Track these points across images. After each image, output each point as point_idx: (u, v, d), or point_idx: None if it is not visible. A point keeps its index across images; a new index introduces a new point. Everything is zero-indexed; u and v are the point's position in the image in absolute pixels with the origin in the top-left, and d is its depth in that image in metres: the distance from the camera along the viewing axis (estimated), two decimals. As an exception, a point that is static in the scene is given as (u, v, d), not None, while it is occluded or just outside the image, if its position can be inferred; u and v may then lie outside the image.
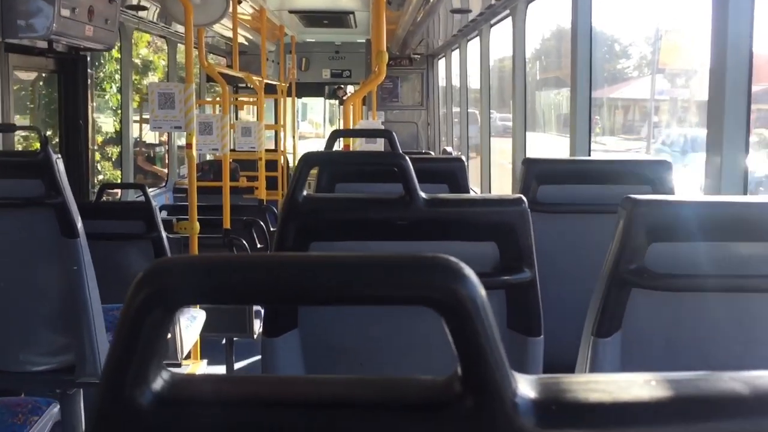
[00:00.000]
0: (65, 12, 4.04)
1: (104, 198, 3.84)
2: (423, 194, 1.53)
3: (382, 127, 5.24)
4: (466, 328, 0.51)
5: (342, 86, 9.98)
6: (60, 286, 2.56)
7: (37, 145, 4.19)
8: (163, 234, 3.41)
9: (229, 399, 0.52)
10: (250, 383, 0.53)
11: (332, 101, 11.26)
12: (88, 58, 4.97)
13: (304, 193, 1.55)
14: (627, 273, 1.51)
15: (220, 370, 4.81)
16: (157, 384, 0.52)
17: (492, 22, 5.65)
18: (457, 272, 0.51)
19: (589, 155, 3.47)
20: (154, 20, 6.06)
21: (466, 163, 2.48)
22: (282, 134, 7.85)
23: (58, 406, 2.23)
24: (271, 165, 6.99)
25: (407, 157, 1.55)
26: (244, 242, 4.90)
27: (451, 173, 2.42)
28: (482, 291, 0.52)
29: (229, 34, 6.58)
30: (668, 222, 1.51)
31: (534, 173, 2.38)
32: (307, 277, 0.50)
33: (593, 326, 1.56)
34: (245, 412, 0.51)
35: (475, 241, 1.55)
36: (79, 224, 2.51)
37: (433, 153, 7.83)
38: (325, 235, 1.54)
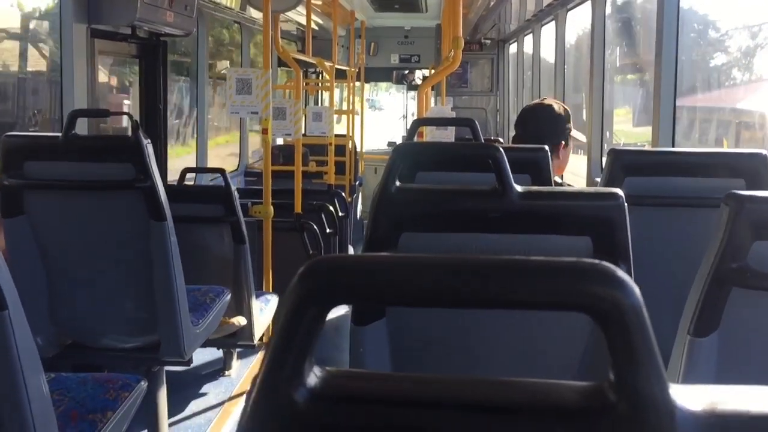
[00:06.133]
0: (148, -2, 4.14)
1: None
2: (517, 186, 1.51)
3: (453, 114, 5.20)
4: (626, 337, 0.50)
5: (411, 71, 9.95)
6: (147, 267, 2.65)
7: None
8: (242, 218, 3.48)
9: (384, 397, 0.52)
10: (403, 381, 0.53)
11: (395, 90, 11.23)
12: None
13: (397, 183, 1.55)
14: (729, 271, 1.46)
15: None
16: (311, 380, 0.53)
17: (569, 6, 5.53)
18: (617, 279, 0.50)
19: (673, 146, 3.37)
20: (230, 6, 6.15)
21: (549, 154, 2.43)
22: (350, 119, 7.90)
23: (146, 383, 2.31)
24: (339, 150, 7.04)
25: (501, 148, 1.54)
26: (315, 227, 4.95)
27: (535, 163, 2.38)
28: (641, 299, 0.51)
29: (300, 19, 6.64)
30: (775, 219, 1.45)
31: (620, 164, 2.32)
32: (466, 280, 0.50)
33: (690, 325, 1.52)
34: (400, 411, 0.51)
35: (569, 235, 1.53)
36: (167, 207, 2.58)
37: (502, 140, 7.74)
38: (416, 226, 1.54)
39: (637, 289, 0.51)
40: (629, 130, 6.02)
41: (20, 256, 2.60)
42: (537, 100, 3.27)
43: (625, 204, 1.51)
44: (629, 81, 6.09)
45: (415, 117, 6.03)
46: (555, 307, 0.51)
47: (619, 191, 1.52)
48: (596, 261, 0.51)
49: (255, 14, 6.44)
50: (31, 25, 5.22)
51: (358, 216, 8.21)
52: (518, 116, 3.17)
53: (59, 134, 2.51)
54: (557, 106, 3.06)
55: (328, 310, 0.53)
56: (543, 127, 2.96)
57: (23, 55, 5.07)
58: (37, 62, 5.19)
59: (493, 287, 0.49)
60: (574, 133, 3.16)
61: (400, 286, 0.50)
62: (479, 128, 2.55)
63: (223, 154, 7.31)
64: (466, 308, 0.45)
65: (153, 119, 4.94)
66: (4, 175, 2.52)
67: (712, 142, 4.67)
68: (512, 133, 3.22)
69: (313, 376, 0.53)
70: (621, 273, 0.51)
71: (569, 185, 3.07)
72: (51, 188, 2.55)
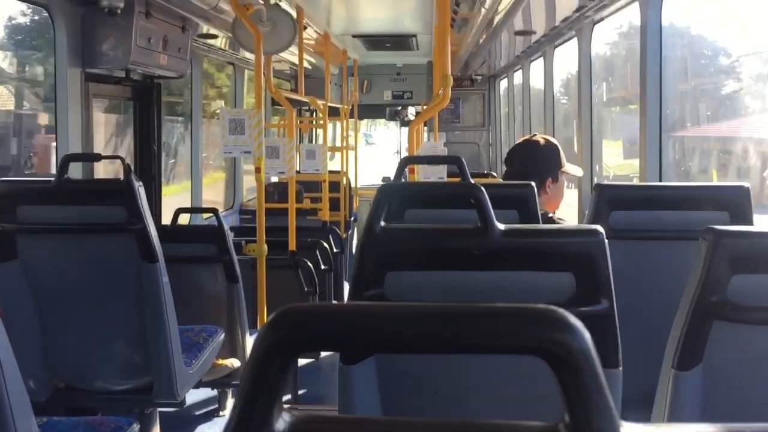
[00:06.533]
0: (142, 42, 4.22)
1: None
2: (499, 225, 1.54)
3: (445, 149, 5.25)
4: (576, 379, 0.53)
5: (403, 107, 10.05)
6: (139, 308, 2.66)
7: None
8: (235, 257, 3.50)
9: (348, 442, 0.54)
10: (368, 424, 0.56)
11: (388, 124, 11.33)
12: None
13: (382, 223, 1.58)
14: (709, 305, 1.49)
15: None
16: (281, 426, 0.55)
17: (556, 43, 5.63)
18: (568, 324, 0.53)
19: (660, 180, 3.41)
20: (223, 47, 6.25)
21: (536, 190, 2.47)
22: (344, 156, 7.96)
23: (138, 426, 2.31)
24: (334, 186, 7.09)
25: (483, 188, 1.57)
26: (310, 264, 4.96)
27: (522, 200, 2.42)
28: (591, 343, 0.54)
29: (293, 59, 6.73)
30: (752, 253, 1.48)
31: (606, 199, 2.36)
32: (423, 327, 0.52)
33: (673, 359, 1.54)
34: (364, 456, 0.53)
35: (552, 272, 1.55)
36: (159, 249, 2.60)
37: (495, 174, 7.80)
38: (401, 265, 1.57)
39: (587, 334, 0.53)
40: (623, 163, 6.08)
41: (13, 299, 2.61)
42: (525, 137, 3.31)
43: (606, 240, 1.54)
44: (630, 111, 6.12)
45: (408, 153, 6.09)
46: (508, 351, 0.53)
47: (600, 228, 1.55)
48: (548, 306, 0.54)
49: (248, 54, 6.54)
50: (27, 69, 5.30)
51: (353, 252, 8.22)
52: (507, 154, 3.22)
53: (52, 178, 2.54)
54: (543, 142, 3.10)
55: (295, 358, 0.55)
56: (529, 163, 3.01)
57: (19, 98, 5.13)
58: (33, 105, 5.26)
59: (448, 334, 0.52)
60: (571, 167, 3.19)
61: (361, 334, 0.53)
62: (470, 164, 2.59)
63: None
64: (426, 354, 0.48)
65: (147, 160, 4.99)
66: (-2, 220, 2.54)
67: (734, 177, 4.54)
68: (505, 167, 3.26)
69: (282, 422, 0.56)
70: (571, 318, 0.53)
71: (561, 220, 3.09)
72: (44, 232, 2.58)
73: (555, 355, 0.52)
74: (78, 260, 2.66)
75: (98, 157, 2.82)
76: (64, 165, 2.53)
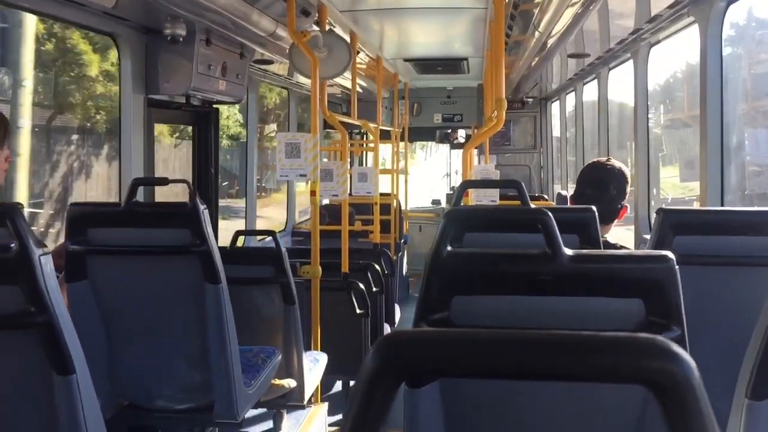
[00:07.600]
0: (202, 68, 4.34)
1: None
2: (567, 250, 1.54)
3: (497, 172, 5.24)
4: (683, 409, 0.53)
5: (453, 130, 10.07)
6: (201, 328, 2.72)
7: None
8: (292, 279, 3.54)
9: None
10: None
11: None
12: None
13: (448, 248, 1.59)
14: (784, 333, 1.45)
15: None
16: (385, 448, 0.57)
17: (611, 65, 5.59)
18: (673, 354, 0.53)
19: (722, 205, 3.35)
20: (278, 73, 6.38)
21: (596, 214, 2.45)
22: (395, 178, 8.01)
23: (200, 445, 2.35)
24: (384, 209, 7.12)
25: (549, 213, 1.57)
26: (362, 286, 4.99)
27: (582, 224, 2.40)
28: (697, 372, 0.54)
29: (346, 83, 6.84)
30: (829, 281, 1.45)
31: (669, 223, 2.33)
32: (529, 354, 0.54)
33: (747, 388, 1.51)
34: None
35: (620, 298, 1.54)
36: (221, 270, 2.66)
37: (546, 197, 7.74)
38: (468, 289, 1.57)
39: (693, 363, 0.54)
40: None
41: (82, 319, 2.69)
42: (603, 160, 3.21)
43: (676, 266, 1.52)
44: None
45: (459, 174, 6.10)
46: (614, 381, 0.54)
47: (670, 254, 1.53)
48: (652, 336, 0.54)
49: (302, 79, 6.66)
50: (95, 98, 5.49)
51: (403, 274, 8.23)
52: (594, 176, 3.08)
53: (119, 202, 2.63)
54: (626, 170, 3.11)
55: (401, 382, 0.57)
56: (621, 190, 3.03)
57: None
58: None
59: (557, 363, 0.53)
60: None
61: (470, 360, 0.54)
62: (524, 188, 2.58)
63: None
64: (532, 380, 0.48)
65: (205, 184, 5.11)
66: (69, 242, 2.64)
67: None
68: (557, 189, 3.24)
69: (387, 445, 0.57)
70: (676, 347, 0.54)
71: (624, 247, 3.04)
72: (112, 254, 2.66)
73: (660, 385, 0.53)
74: (144, 281, 2.74)
75: (165, 181, 2.90)
76: (132, 189, 2.61)
